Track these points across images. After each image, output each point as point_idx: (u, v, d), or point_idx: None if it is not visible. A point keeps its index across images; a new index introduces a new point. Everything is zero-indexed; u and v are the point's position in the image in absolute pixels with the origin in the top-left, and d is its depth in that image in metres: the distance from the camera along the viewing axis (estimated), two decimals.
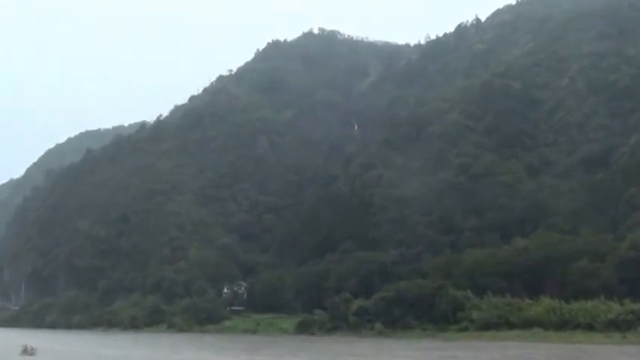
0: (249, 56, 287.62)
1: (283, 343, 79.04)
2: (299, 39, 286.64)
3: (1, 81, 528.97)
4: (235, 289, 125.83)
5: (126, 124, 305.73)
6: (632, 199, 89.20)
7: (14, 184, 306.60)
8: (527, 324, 72.94)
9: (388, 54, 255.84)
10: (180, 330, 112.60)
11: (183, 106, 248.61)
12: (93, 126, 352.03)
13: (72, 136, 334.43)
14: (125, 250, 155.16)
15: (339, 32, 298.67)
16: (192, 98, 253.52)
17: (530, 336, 69.31)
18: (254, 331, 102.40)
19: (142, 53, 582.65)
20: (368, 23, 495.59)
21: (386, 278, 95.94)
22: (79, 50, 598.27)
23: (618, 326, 66.02)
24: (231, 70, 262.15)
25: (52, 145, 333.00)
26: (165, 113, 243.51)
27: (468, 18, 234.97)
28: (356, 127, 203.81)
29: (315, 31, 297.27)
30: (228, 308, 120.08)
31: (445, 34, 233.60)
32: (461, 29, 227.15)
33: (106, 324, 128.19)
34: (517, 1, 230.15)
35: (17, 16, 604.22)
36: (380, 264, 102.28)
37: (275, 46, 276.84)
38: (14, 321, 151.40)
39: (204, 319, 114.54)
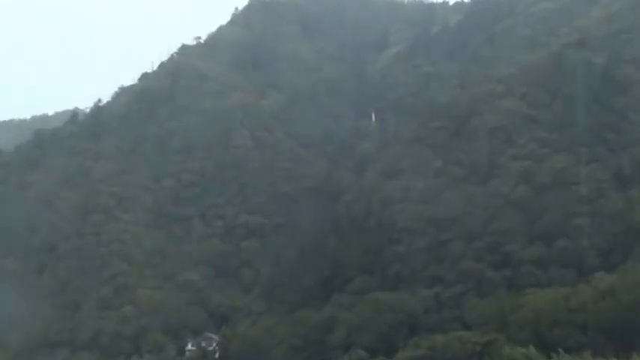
0: (224, 19, 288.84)
1: None
2: None
3: None
4: (204, 344, 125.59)
5: (51, 113, 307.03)
6: None
7: None
8: None
9: (418, 16, 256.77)
10: None
11: (131, 87, 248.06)
12: (2, 115, 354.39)
13: None
14: (49, 290, 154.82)
15: None
16: (144, 77, 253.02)
17: None
18: None
19: (74, 16, 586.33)
20: None
21: (415, 330, 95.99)
22: None
23: None
24: (199, 38, 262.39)
25: None
26: (105, 97, 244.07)
27: None
28: (373, 119, 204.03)
29: None
30: None
31: None
32: None
33: None
34: None
35: None
36: (407, 310, 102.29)
37: (261, 5, 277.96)
38: None
39: None
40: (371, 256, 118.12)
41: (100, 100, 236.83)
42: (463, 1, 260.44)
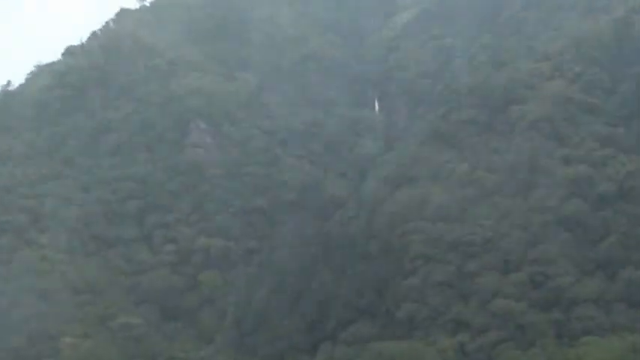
0: None
1: None
2: None
3: None
4: None
5: None
6: None
7: None
8: None
9: None
10: None
11: (52, 66, 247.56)
12: None
13: None
14: None
15: None
16: (69, 52, 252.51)
17: None
18: None
19: None
20: None
21: None
22: None
23: None
24: (142, 0, 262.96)
25: None
26: (18, 79, 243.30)
27: None
28: (377, 107, 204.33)
29: None
30: None
31: None
32: None
33: None
34: None
35: None
36: None
37: None
38: None
39: None
40: (374, 292, 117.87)
41: (9, 83, 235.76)
42: None
